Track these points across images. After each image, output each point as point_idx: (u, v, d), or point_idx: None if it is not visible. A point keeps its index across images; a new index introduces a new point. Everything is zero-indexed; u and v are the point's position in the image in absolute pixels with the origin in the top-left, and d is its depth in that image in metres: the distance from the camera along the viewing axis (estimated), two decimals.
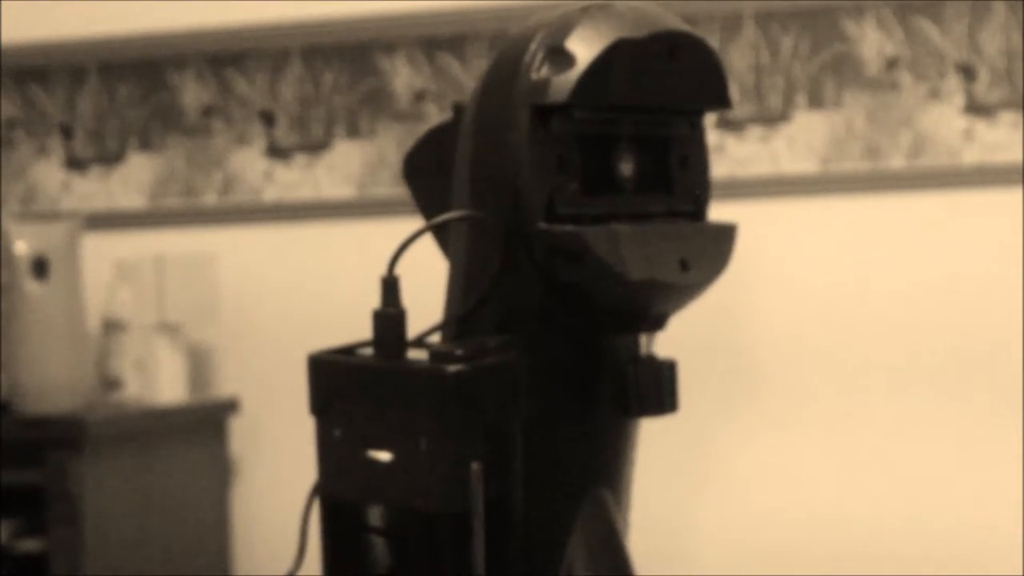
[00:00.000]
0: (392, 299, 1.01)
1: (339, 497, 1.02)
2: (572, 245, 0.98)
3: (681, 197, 1.06)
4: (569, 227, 0.99)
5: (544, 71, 1.00)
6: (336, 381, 1.02)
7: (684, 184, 1.06)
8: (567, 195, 1.00)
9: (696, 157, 1.07)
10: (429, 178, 1.12)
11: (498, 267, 1.01)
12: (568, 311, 1.01)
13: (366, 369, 1.01)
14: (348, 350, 1.03)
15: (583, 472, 1.03)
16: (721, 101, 1.05)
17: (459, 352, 0.98)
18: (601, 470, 1.05)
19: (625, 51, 1.00)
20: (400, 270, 2.15)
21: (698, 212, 1.07)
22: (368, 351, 1.03)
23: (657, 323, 1.02)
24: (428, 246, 2.24)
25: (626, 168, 1.03)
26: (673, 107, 1.03)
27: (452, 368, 0.97)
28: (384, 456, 0.99)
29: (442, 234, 1.12)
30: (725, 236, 1.04)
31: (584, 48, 0.99)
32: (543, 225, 0.99)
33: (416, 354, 1.01)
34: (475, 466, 0.97)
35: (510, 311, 1.01)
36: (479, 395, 0.98)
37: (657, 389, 1.02)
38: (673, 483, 2.53)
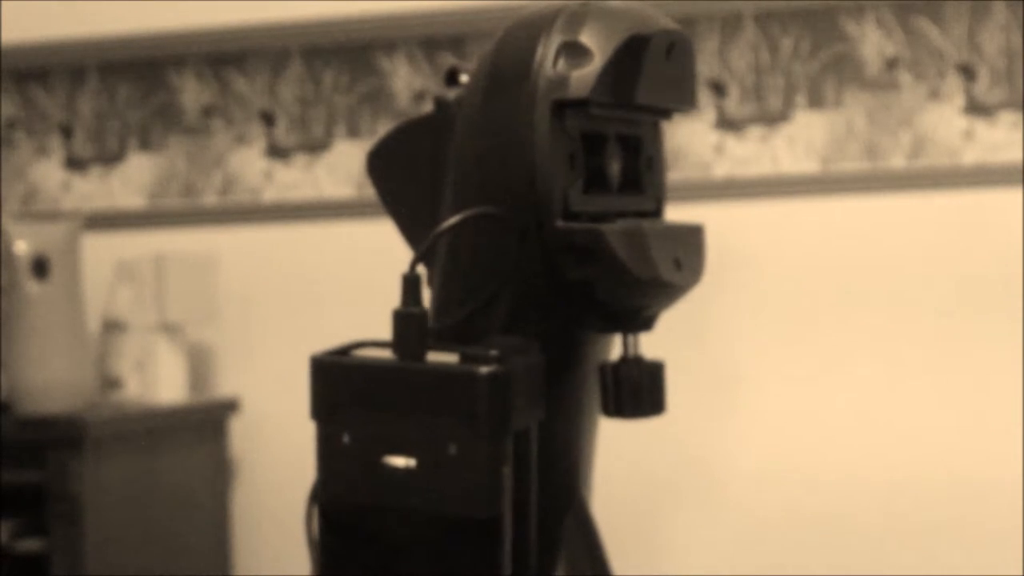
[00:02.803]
0: (413, 298, 0.98)
1: (347, 505, 0.98)
2: (591, 243, 0.97)
3: (649, 197, 1.06)
4: (590, 225, 0.98)
5: (561, 65, 0.98)
6: (346, 384, 0.98)
7: (651, 184, 1.06)
8: (575, 193, 0.99)
9: (658, 157, 1.07)
10: (399, 174, 1.09)
11: (512, 265, 1.00)
12: (571, 310, 1.00)
13: (386, 371, 0.97)
14: (344, 351, 1.00)
15: (571, 474, 1.03)
16: (690, 101, 1.05)
17: (493, 353, 0.95)
18: (583, 471, 1.04)
19: (637, 47, 0.99)
20: (383, 271, 2.14)
21: (659, 211, 1.07)
22: (367, 352, 0.99)
23: (648, 323, 1.02)
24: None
25: (614, 167, 1.03)
26: (658, 106, 1.03)
27: (487, 370, 0.94)
28: (407, 462, 0.95)
29: (415, 233, 1.09)
30: (699, 236, 1.04)
31: (599, 43, 0.98)
32: (561, 223, 0.98)
33: (436, 356, 0.97)
34: (506, 470, 0.94)
35: (514, 311, 1.00)
36: (511, 397, 0.95)
37: (650, 390, 1.02)
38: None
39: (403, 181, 1.08)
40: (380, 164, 1.10)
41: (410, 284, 0.98)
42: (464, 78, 1.04)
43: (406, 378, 0.96)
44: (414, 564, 0.96)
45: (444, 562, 0.95)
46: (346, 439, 0.97)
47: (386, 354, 0.99)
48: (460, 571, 0.95)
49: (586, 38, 0.98)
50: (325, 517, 0.99)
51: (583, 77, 0.97)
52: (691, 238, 1.03)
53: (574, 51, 0.98)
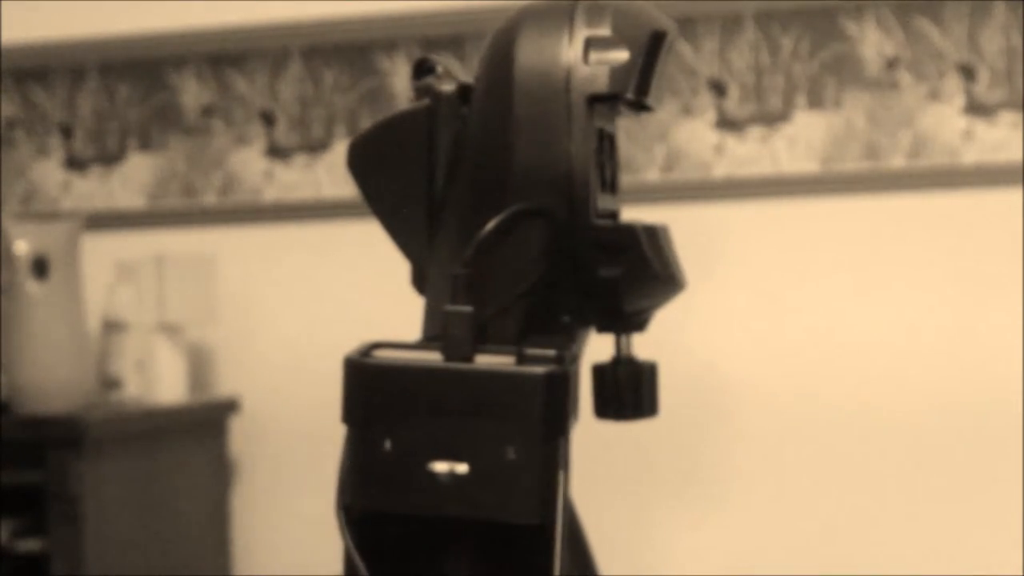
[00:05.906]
0: (464, 296, 0.93)
1: (386, 513, 0.93)
2: (625, 240, 0.96)
3: (617, 196, 1.05)
4: (625, 222, 0.97)
5: (593, 60, 0.97)
6: (387, 387, 0.92)
7: (618, 183, 1.05)
8: (598, 190, 0.99)
9: (617, 158, 1.06)
10: (387, 167, 1.05)
11: (547, 264, 0.97)
12: (583, 309, 0.99)
13: (434, 374, 0.92)
14: (366, 352, 0.95)
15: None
16: (660, 100, 1.05)
17: (551, 353, 0.92)
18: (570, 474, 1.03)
19: (658, 43, 0.99)
20: (383, 271, 2.14)
21: (617, 212, 1.07)
22: (387, 353, 0.95)
23: (645, 323, 1.01)
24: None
25: (610, 165, 1.02)
26: (646, 103, 1.02)
27: (546, 370, 0.91)
28: (457, 468, 0.91)
29: (401, 228, 1.06)
30: (670, 237, 1.04)
31: (626, 38, 0.97)
32: (597, 220, 0.97)
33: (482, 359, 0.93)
34: (561, 474, 0.91)
35: (535, 310, 0.98)
36: (567, 399, 0.92)
37: (650, 392, 1.01)
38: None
39: (391, 174, 1.04)
40: (363, 157, 1.05)
41: (461, 282, 0.94)
42: (440, 69, 1.02)
43: (457, 380, 0.91)
44: (456, 572, 0.93)
45: (489, 569, 0.93)
46: (387, 445, 0.92)
47: (407, 355, 0.94)
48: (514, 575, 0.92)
49: (613, 33, 0.97)
50: (358, 526, 0.94)
51: (618, 72, 0.96)
52: (669, 238, 1.03)
53: (604, 45, 0.97)
